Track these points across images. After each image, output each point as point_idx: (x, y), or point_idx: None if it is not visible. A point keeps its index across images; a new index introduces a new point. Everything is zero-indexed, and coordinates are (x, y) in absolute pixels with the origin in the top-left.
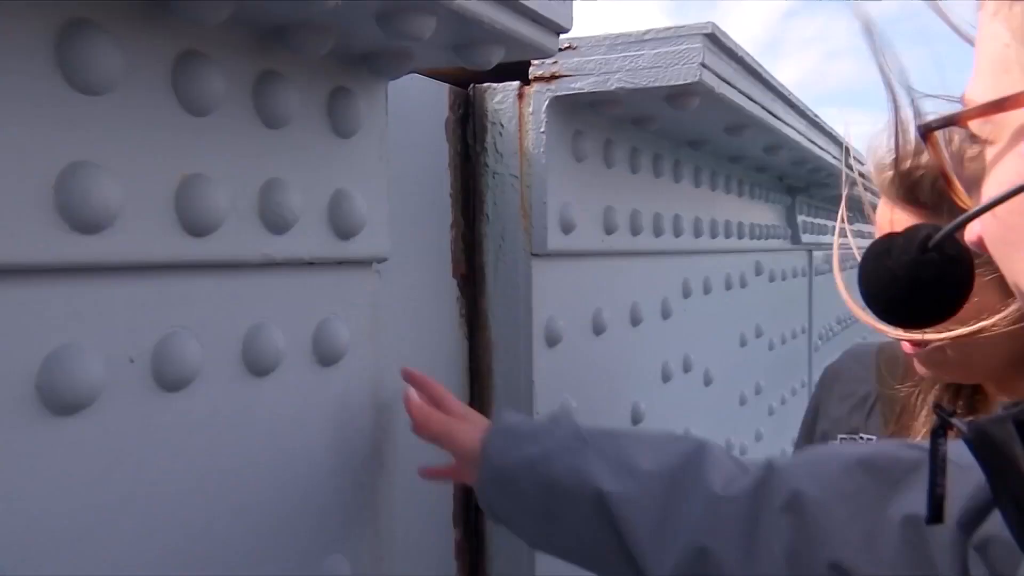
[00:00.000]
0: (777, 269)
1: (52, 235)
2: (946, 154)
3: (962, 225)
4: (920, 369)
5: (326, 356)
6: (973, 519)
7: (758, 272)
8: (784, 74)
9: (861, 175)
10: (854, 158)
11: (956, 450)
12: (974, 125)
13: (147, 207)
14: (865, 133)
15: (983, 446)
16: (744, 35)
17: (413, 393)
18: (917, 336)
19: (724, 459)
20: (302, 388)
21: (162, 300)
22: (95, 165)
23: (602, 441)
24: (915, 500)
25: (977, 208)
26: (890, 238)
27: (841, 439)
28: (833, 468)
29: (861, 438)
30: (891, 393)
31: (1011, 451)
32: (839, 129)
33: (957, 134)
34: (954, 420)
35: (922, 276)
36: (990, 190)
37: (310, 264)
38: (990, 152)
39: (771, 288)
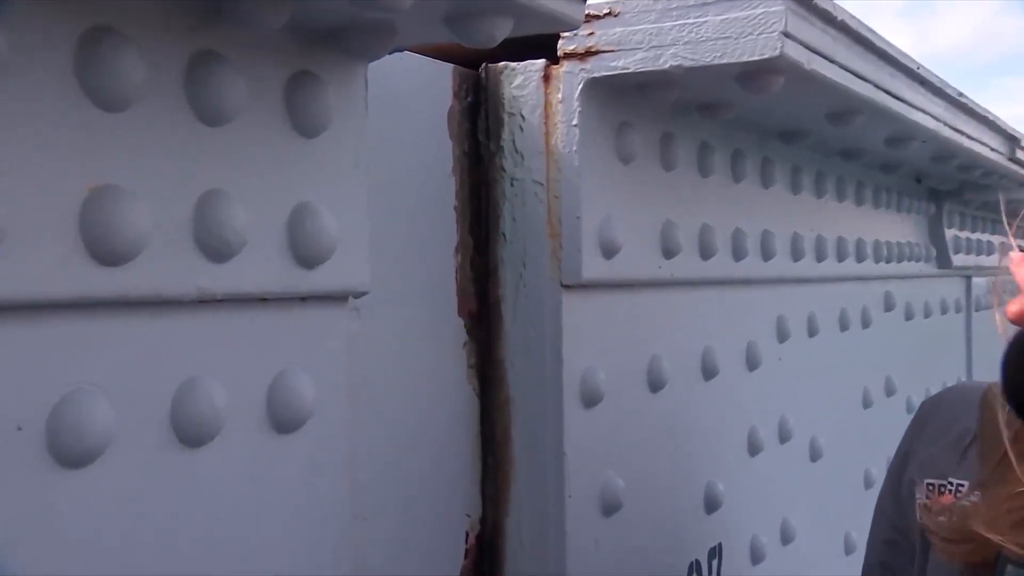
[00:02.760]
0: (918, 302)
1: None
2: None
3: None
4: None
5: (284, 419)
6: None
7: (889, 306)
8: (944, 35)
9: None
10: None
11: None
12: None
13: (41, 228)
14: None
15: None
16: None
17: None
18: None
19: None
20: (252, 461)
21: (62, 349)
22: None
23: None
24: None
25: None
26: None
27: (928, 484)
28: None
29: (951, 483)
30: (999, 431)
31: None
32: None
33: None
34: None
35: None
36: None
37: (263, 300)
38: None
39: (910, 328)
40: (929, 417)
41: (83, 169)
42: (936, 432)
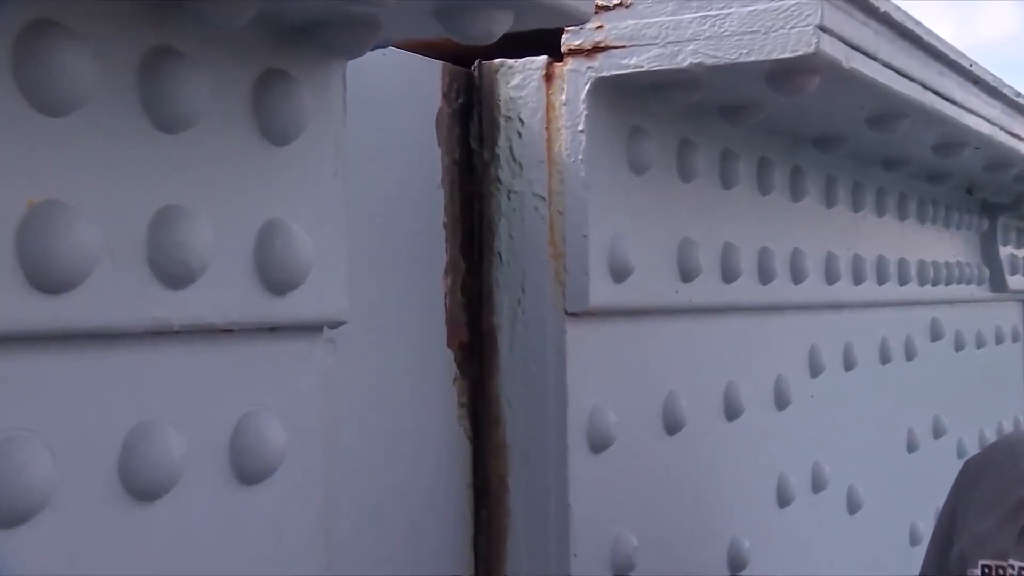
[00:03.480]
0: (969, 330)
1: None
2: None
3: None
4: None
5: (250, 469)
6: None
7: (936, 335)
8: (991, 24)
9: None
10: None
11: None
12: None
13: None
14: None
15: None
16: None
17: None
18: None
19: None
20: (213, 516)
21: None
22: None
23: None
24: None
25: None
26: None
27: (984, 567)
28: None
29: (1012, 567)
30: None
31: None
32: None
33: None
34: None
35: None
36: None
37: (227, 332)
38: None
39: (960, 360)
40: (978, 480)
41: (21, 183)
42: (988, 501)
